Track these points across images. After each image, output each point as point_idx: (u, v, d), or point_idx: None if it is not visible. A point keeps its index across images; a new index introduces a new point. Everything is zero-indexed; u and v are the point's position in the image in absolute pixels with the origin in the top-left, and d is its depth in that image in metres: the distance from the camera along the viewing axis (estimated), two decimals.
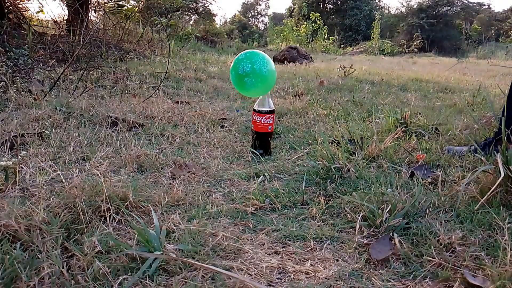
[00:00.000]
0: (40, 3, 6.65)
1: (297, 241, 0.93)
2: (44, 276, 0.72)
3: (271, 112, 1.50)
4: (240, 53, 1.51)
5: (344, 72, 4.16)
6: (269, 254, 0.88)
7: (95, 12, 5.53)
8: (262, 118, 1.49)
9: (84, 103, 2.01)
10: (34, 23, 4.63)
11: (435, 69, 5.93)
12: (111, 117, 1.81)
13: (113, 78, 2.88)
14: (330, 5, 20.84)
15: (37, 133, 1.51)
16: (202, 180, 1.27)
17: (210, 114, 2.09)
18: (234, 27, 21.51)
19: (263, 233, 0.96)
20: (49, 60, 2.97)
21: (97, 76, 2.85)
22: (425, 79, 4.22)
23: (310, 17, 13.89)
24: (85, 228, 0.89)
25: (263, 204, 1.10)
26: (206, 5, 11.83)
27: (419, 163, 1.39)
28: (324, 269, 0.82)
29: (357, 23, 18.11)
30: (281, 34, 13.76)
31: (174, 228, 0.93)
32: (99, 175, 1.07)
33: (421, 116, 2.04)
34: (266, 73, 1.44)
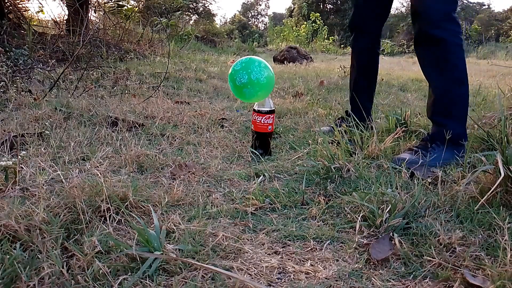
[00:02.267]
0: (40, 3, 6.65)
1: (297, 241, 0.93)
2: (44, 276, 0.72)
3: (271, 112, 1.50)
4: (236, 62, 1.50)
5: (344, 72, 4.16)
6: (269, 254, 0.88)
7: (95, 12, 5.54)
8: (262, 118, 1.49)
9: (84, 103, 2.01)
10: (34, 23, 4.63)
11: None
12: (111, 117, 1.81)
13: (113, 78, 2.88)
14: (330, 5, 20.84)
15: (37, 133, 1.51)
16: (202, 180, 1.27)
17: (210, 114, 2.09)
18: (234, 27, 21.53)
19: (263, 233, 0.96)
20: (49, 60, 2.97)
21: (97, 76, 2.85)
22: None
23: (310, 17, 13.88)
24: (85, 228, 0.89)
25: (263, 204, 1.10)
26: (206, 5, 11.85)
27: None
28: (324, 269, 0.82)
29: None
30: (281, 34, 13.76)
31: (174, 228, 0.93)
32: (99, 175, 1.07)
33: (421, 116, 2.04)
34: (264, 81, 1.44)
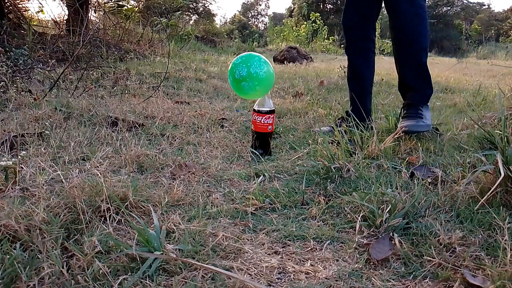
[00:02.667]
0: (40, 3, 6.65)
1: (297, 241, 0.93)
2: (44, 276, 0.72)
3: (271, 112, 1.50)
4: (236, 57, 1.51)
5: (344, 72, 4.15)
6: (269, 254, 0.88)
7: (95, 12, 5.53)
8: (262, 118, 1.49)
9: (84, 103, 2.01)
10: (34, 23, 4.63)
11: (435, 69, 5.93)
12: (111, 117, 1.81)
13: (113, 78, 2.88)
14: (330, 5, 20.84)
15: (37, 133, 1.51)
16: (202, 180, 1.27)
17: (210, 114, 2.09)
18: (234, 27, 21.54)
19: (263, 233, 0.96)
20: (49, 60, 2.97)
21: (97, 76, 2.84)
22: None
23: (310, 17, 13.86)
24: (85, 228, 0.89)
25: (263, 204, 1.10)
26: (206, 5, 11.85)
27: (419, 163, 1.39)
28: (324, 269, 0.82)
29: None
30: (281, 34, 13.73)
31: (174, 228, 0.93)
32: (99, 175, 1.07)
33: None
34: (263, 76, 1.44)
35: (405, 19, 1.67)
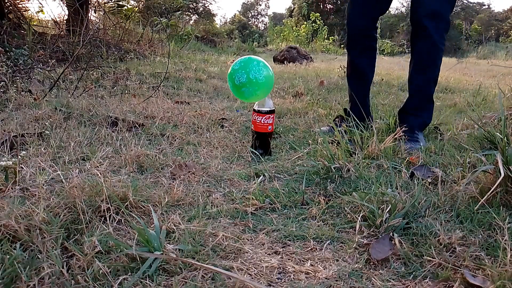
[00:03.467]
0: (40, 3, 6.66)
1: (297, 241, 0.93)
2: (44, 276, 0.72)
3: (271, 112, 1.50)
4: (235, 61, 1.50)
5: (344, 72, 4.16)
6: (269, 254, 0.88)
7: (95, 12, 5.54)
8: (262, 118, 1.49)
9: (84, 103, 2.01)
10: (34, 23, 4.63)
11: None
12: (111, 117, 1.81)
13: (113, 78, 2.88)
14: (330, 5, 20.83)
15: (37, 133, 1.51)
16: (202, 180, 1.27)
17: (210, 114, 2.09)
18: (234, 27, 21.53)
19: (263, 233, 0.96)
20: (49, 60, 2.97)
21: (97, 76, 2.84)
22: None
23: (310, 17, 13.87)
24: (85, 228, 0.89)
25: (263, 204, 1.10)
26: (206, 5, 11.85)
27: (419, 163, 1.39)
28: (324, 269, 0.82)
29: None
30: (281, 34, 13.75)
31: (174, 228, 0.93)
32: (99, 175, 1.07)
33: None
34: (263, 81, 1.44)
35: (430, 43, 1.68)
